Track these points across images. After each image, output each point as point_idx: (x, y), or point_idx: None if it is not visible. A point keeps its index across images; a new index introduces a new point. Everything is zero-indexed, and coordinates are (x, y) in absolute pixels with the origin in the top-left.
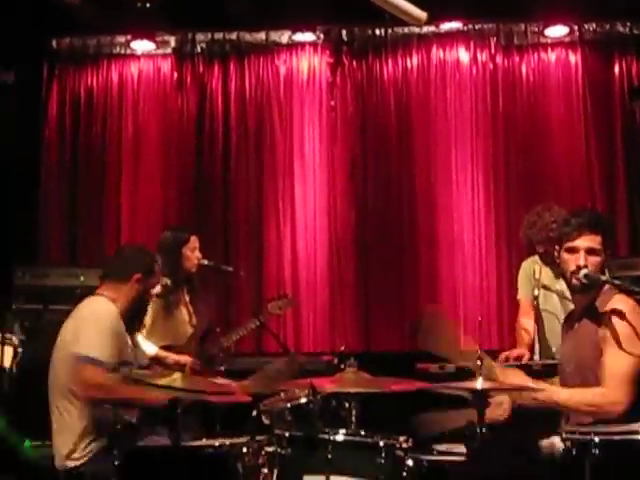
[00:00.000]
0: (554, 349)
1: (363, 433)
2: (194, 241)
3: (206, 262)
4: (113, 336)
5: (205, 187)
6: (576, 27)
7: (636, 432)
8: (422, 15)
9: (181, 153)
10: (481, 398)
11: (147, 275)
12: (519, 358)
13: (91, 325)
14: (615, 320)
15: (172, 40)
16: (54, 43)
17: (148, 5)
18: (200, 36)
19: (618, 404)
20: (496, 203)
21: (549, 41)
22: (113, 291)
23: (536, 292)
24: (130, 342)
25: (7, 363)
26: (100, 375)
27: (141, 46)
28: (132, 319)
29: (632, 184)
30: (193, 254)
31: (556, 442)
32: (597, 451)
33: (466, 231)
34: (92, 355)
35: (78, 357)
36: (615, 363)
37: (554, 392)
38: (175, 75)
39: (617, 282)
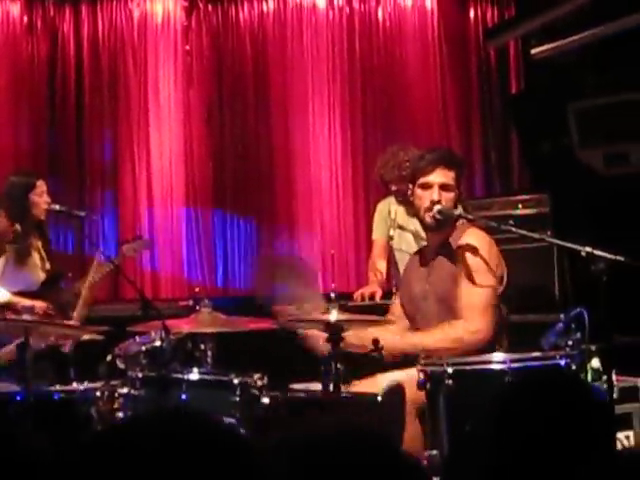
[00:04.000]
0: None
1: (217, 371)
2: (41, 185)
3: (57, 207)
4: None
5: (58, 133)
6: None
7: (488, 362)
8: None
9: (33, 99)
10: (335, 331)
11: None
12: (372, 296)
13: None
14: (468, 254)
15: None
16: None
17: None
18: None
19: (479, 332)
20: (353, 147)
21: None
22: None
23: (392, 232)
24: None
25: None
26: None
27: None
28: None
29: (487, 126)
30: (41, 199)
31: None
32: (450, 382)
33: (324, 175)
34: None
35: None
36: (470, 295)
37: (412, 338)
38: (25, 19)
39: (470, 217)
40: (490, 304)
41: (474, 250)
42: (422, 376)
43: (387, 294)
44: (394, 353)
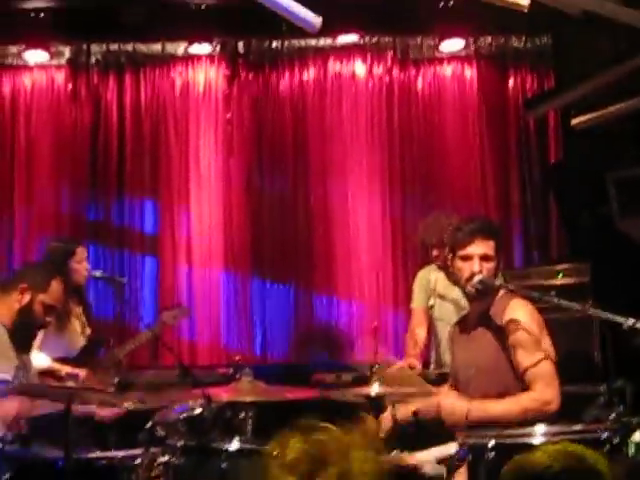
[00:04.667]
0: (447, 358)
1: (257, 441)
2: (81, 252)
3: (98, 274)
4: None
5: (99, 199)
6: (472, 40)
7: (529, 435)
8: (317, 21)
9: (75, 165)
10: (376, 404)
11: (35, 287)
12: (410, 369)
13: None
14: (520, 326)
15: (66, 50)
16: None
17: (42, 15)
18: (95, 47)
19: (552, 403)
20: (392, 215)
21: (445, 55)
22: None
23: (432, 301)
24: (17, 359)
25: None
26: None
27: (34, 56)
28: (19, 335)
29: (525, 195)
30: (81, 265)
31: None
32: (492, 454)
33: (362, 242)
34: None
35: None
36: (537, 368)
37: (483, 406)
38: (69, 86)
39: (511, 287)
40: (555, 374)
41: (525, 323)
42: (464, 449)
43: (425, 364)
44: (484, 418)
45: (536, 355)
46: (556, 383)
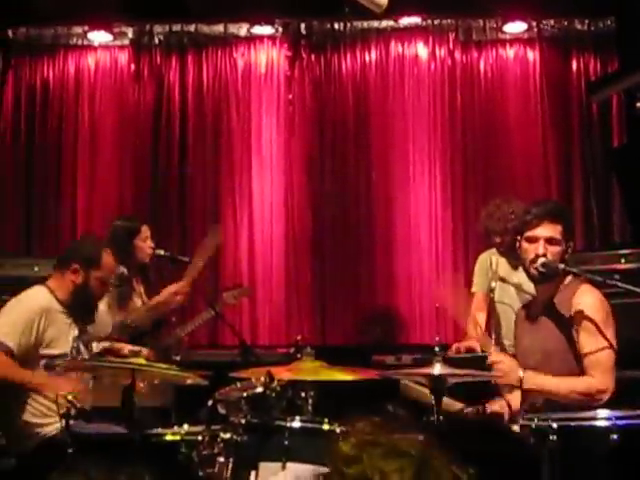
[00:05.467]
0: (507, 342)
1: (319, 420)
2: (145, 231)
3: (162, 252)
4: (30, 323)
5: (162, 178)
6: (534, 23)
7: (593, 418)
8: (383, 1)
9: (138, 145)
10: (439, 384)
11: (87, 265)
12: (470, 350)
13: (8, 310)
14: (588, 313)
15: (130, 31)
16: (10, 33)
17: None
18: (158, 28)
19: (606, 392)
20: (453, 198)
21: (507, 37)
22: (55, 280)
23: (492, 284)
24: (78, 332)
25: None
26: None
27: (98, 37)
28: (79, 310)
29: (588, 179)
30: (145, 244)
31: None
32: (555, 437)
33: (422, 225)
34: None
35: None
36: (597, 354)
37: (536, 378)
38: (132, 67)
39: (575, 271)
40: (613, 365)
41: (592, 310)
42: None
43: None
44: (534, 388)
45: (598, 342)
46: (613, 374)
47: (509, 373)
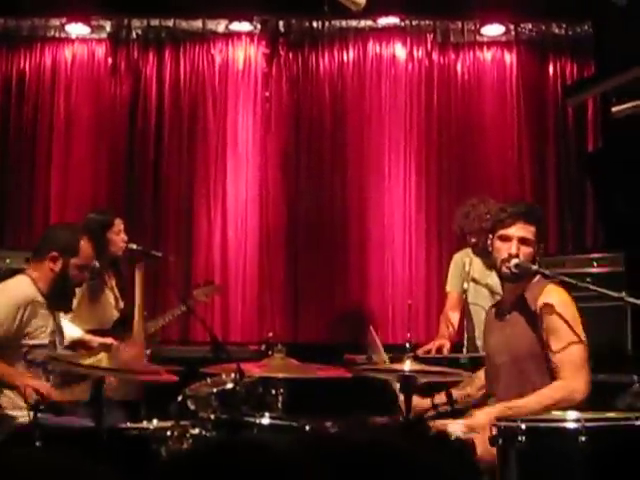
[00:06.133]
0: (480, 343)
1: (289, 417)
2: (118, 224)
3: (134, 246)
4: (14, 313)
5: (136, 172)
6: (512, 26)
7: (562, 420)
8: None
9: (113, 138)
10: (408, 381)
11: (65, 253)
12: (440, 350)
13: None
14: (554, 312)
15: (107, 25)
16: None
17: None
18: (136, 22)
19: (580, 392)
20: (428, 198)
21: (485, 40)
22: (35, 270)
23: (465, 285)
24: (54, 324)
25: None
26: None
27: (76, 30)
28: (57, 299)
29: (562, 183)
30: (118, 237)
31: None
32: (523, 438)
33: (397, 224)
34: None
35: None
36: (566, 353)
37: (516, 405)
38: (109, 60)
39: (547, 272)
40: (586, 361)
41: (559, 308)
42: (495, 432)
43: (456, 347)
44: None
45: (567, 338)
46: (586, 368)
47: (484, 425)
